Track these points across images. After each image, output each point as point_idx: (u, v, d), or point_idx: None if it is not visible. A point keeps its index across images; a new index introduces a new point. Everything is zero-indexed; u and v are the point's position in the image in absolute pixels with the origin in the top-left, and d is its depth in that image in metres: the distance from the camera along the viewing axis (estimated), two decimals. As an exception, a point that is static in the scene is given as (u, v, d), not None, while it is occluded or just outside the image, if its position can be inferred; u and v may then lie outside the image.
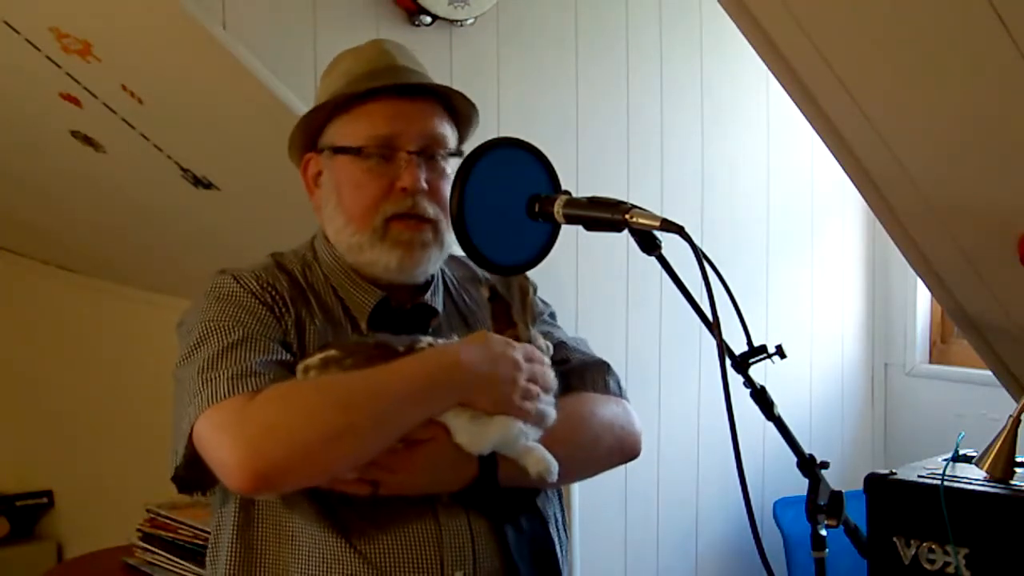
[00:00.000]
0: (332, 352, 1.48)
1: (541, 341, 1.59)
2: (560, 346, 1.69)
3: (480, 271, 1.75)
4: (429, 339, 1.53)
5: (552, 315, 1.79)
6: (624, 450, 1.70)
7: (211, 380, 1.45)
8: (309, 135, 1.64)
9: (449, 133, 1.64)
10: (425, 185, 1.58)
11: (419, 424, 1.46)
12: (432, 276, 1.68)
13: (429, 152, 1.60)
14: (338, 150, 1.60)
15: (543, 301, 1.77)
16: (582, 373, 1.70)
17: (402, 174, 1.58)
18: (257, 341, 1.49)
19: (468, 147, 1.59)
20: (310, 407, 1.41)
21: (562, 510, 1.70)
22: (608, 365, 1.76)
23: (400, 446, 1.45)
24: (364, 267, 1.61)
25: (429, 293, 1.65)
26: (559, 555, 1.64)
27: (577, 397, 1.65)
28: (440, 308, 1.66)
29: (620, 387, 1.74)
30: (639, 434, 1.72)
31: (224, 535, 1.55)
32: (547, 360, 1.58)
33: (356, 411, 1.41)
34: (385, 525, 1.49)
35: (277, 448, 1.38)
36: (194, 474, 1.50)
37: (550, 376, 1.56)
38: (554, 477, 1.53)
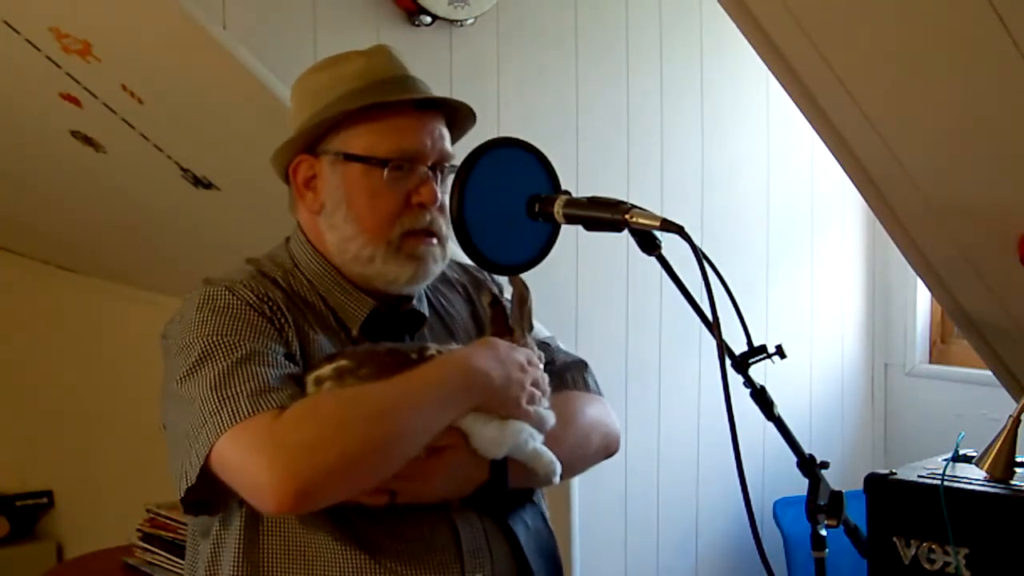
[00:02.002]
0: (344, 362, 1.47)
1: (536, 348, 1.60)
2: (544, 347, 1.70)
3: (451, 274, 1.75)
4: (436, 346, 1.53)
5: None
6: (608, 447, 1.72)
7: (229, 399, 1.40)
8: (306, 137, 1.60)
9: (452, 148, 1.64)
10: (439, 200, 1.58)
11: (442, 431, 1.46)
12: None
13: (440, 167, 1.60)
14: (353, 158, 1.56)
15: None
16: (563, 373, 1.71)
17: (421, 189, 1.56)
18: (265, 355, 1.46)
19: (465, 148, 1.59)
20: (342, 422, 1.39)
21: (546, 507, 1.71)
22: (586, 364, 1.77)
23: (420, 454, 1.45)
24: (368, 278, 1.59)
25: (416, 299, 1.65)
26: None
27: (565, 397, 1.66)
28: (427, 314, 1.66)
29: (597, 384, 1.76)
30: (619, 431, 1.74)
31: (226, 555, 1.51)
32: (541, 366, 1.59)
33: (387, 422, 1.40)
34: (403, 533, 1.48)
35: (315, 465, 1.35)
36: (205, 495, 1.46)
37: (546, 380, 1.57)
38: (559, 479, 1.55)
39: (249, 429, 1.38)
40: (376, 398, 1.42)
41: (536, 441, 1.53)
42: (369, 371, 1.45)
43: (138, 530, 2.74)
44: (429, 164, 1.58)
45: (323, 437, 1.37)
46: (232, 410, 1.40)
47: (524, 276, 1.61)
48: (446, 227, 1.59)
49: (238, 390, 1.41)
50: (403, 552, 1.47)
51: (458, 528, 1.51)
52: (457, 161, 1.59)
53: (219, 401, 1.41)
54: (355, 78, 1.58)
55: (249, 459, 1.38)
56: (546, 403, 1.56)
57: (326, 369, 1.47)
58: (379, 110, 1.56)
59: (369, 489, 1.43)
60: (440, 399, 1.45)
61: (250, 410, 1.39)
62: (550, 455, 1.54)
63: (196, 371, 1.45)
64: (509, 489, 1.53)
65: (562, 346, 1.80)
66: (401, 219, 1.56)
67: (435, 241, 1.58)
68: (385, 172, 1.55)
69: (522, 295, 1.58)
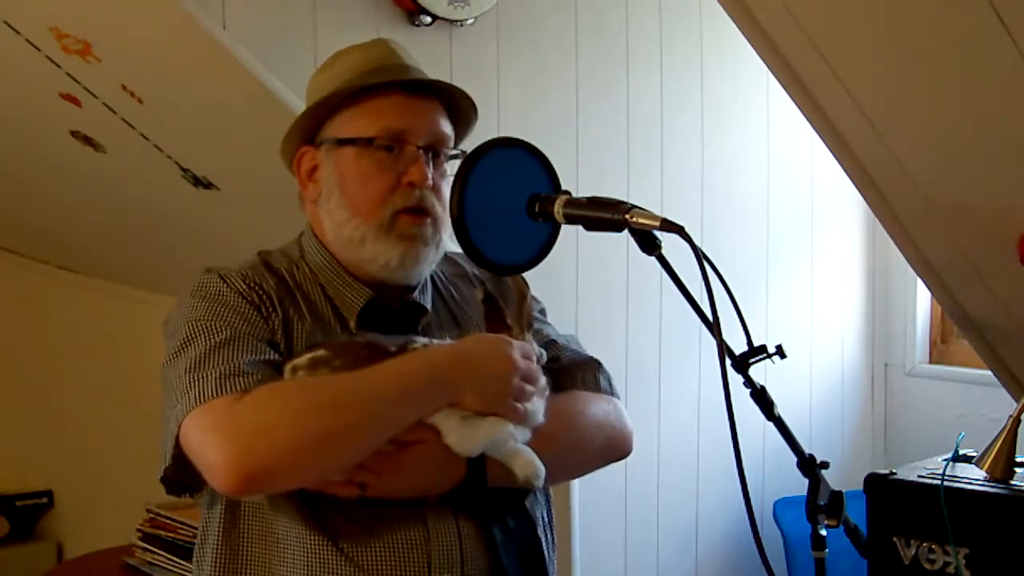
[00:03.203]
0: (321, 352, 1.47)
1: (535, 346, 1.58)
2: (551, 344, 1.68)
3: (470, 268, 1.74)
4: (424, 340, 1.52)
5: (542, 311, 1.78)
6: (614, 449, 1.70)
7: (198, 380, 1.43)
8: (306, 129, 1.62)
9: (451, 133, 1.64)
10: (431, 181, 1.58)
11: (410, 425, 1.45)
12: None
13: (435, 150, 1.60)
14: (344, 142, 1.58)
15: (534, 298, 1.75)
16: (572, 371, 1.69)
17: (410, 168, 1.57)
18: (245, 341, 1.48)
19: (465, 147, 1.59)
20: (299, 408, 1.39)
21: (549, 511, 1.68)
22: (599, 363, 1.74)
23: (389, 448, 1.44)
24: (363, 263, 1.59)
25: (418, 291, 1.64)
26: (546, 555, 1.63)
27: (567, 396, 1.64)
28: (429, 306, 1.65)
29: (611, 385, 1.73)
30: (630, 432, 1.72)
31: (210, 537, 1.54)
32: (535, 360, 1.56)
33: (346, 412, 1.40)
34: (372, 528, 1.48)
35: (265, 449, 1.36)
36: (183, 476, 1.48)
37: (540, 374, 1.55)
38: (541, 481, 1.52)
39: (211, 410, 1.41)
40: (337, 388, 1.42)
41: (517, 440, 1.50)
42: (344, 362, 1.45)
43: (138, 530, 2.74)
44: (421, 145, 1.58)
45: (276, 422, 1.38)
46: (199, 391, 1.42)
47: (524, 275, 1.60)
48: (440, 208, 1.59)
49: (208, 372, 1.43)
50: (370, 546, 1.47)
51: (429, 526, 1.50)
52: (458, 148, 1.61)
53: (190, 383, 1.44)
54: (350, 70, 1.62)
55: (206, 439, 1.40)
56: (538, 400, 1.53)
57: (303, 359, 1.47)
58: (368, 94, 1.58)
59: (328, 477, 1.43)
60: (405, 393, 1.44)
61: (215, 392, 1.41)
62: (530, 456, 1.50)
63: (179, 354, 1.48)
64: (495, 491, 1.51)
65: (574, 345, 1.76)
66: (392, 199, 1.57)
67: (428, 221, 1.58)
68: (371, 151, 1.56)
69: (521, 291, 1.57)
